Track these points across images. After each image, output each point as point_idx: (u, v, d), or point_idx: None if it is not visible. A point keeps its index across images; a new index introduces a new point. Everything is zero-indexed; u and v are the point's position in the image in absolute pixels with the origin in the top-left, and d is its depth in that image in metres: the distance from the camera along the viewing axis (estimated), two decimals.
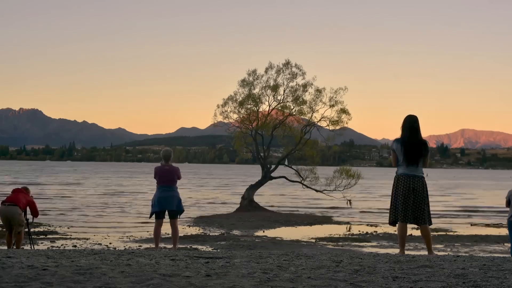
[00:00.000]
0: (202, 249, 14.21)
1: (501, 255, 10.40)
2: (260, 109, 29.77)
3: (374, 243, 17.63)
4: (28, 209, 12.17)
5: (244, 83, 29.68)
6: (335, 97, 29.17)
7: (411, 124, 8.16)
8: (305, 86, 29.41)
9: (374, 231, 20.98)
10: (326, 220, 26.02)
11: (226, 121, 30.86)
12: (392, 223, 8.41)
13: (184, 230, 20.32)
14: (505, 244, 17.73)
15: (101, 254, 6.15)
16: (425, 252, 14.65)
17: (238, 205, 28.49)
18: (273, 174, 29.41)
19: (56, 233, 19.01)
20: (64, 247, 15.17)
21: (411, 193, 7.92)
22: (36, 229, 19.46)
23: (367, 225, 23.78)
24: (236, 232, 20.12)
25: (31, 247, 12.41)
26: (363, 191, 47.25)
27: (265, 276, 4.64)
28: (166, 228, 20.88)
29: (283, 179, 30.17)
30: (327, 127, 30.30)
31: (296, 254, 6.71)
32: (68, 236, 18.15)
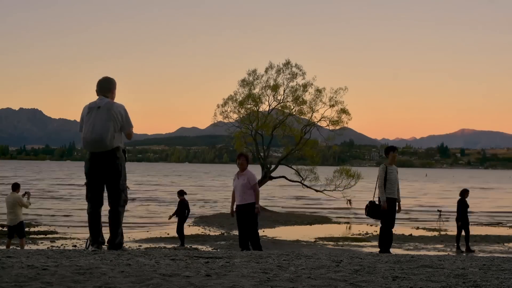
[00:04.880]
0: (202, 249, 14.22)
1: (501, 255, 10.41)
2: (260, 109, 29.78)
3: (374, 243, 17.62)
4: None
5: (244, 83, 29.69)
6: (335, 97, 29.21)
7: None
8: (305, 86, 29.43)
9: (374, 231, 20.98)
10: (325, 220, 26.02)
11: (226, 121, 30.88)
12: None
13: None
14: (505, 244, 17.75)
15: (101, 254, 6.15)
16: (426, 252, 14.67)
17: None
18: (273, 174, 29.40)
19: (56, 232, 19.01)
20: (64, 247, 15.17)
21: None
22: (36, 229, 19.48)
23: (367, 225, 23.78)
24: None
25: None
26: (363, 191, 47.22)
27: (265, 276, 4.64)
28: (167, 228, 20.92)
29: (283, 179, 30.17)
30: (327, 127, 30.32)
31: (296, 254, 6.70)
32: (68, 236, 18.15)
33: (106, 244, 6.73)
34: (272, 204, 32.92)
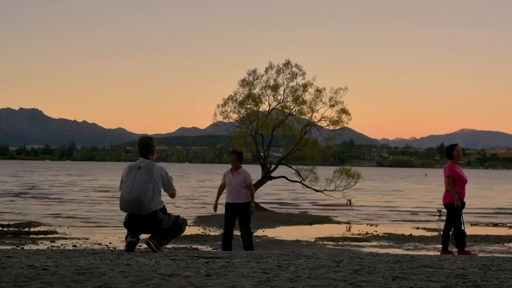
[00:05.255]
0: (202, 249, 14.21)
1: (501, 255, 10.41)
2: (260, 109, 29.75)
3: (374, 243, 17.62)
4: None
5: (244, 83, 29.68)
6: (335, 97, 29.18)
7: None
8: (305, 86, 29.40)
9: (374, 231, 20.98)
10: (326, 219, 26.02)
11: (226, 121, 30.85)
12: None
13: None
14: (505, 244, 17.75)
15: (101, 254, 6.16)
16: (426, 252, 14.67)
17: None
18: (273, 174, 29.40)
19: (56, 233, 19.00)
20: (64, 247, 15.16)
21: None
22: (36, 229, 19.48)
23: (367, 225, 23.78)
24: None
25: None
26: (363, 191, 47.22)
27: (265, 276, 4.64)
28: None
29: (283, 179, 30.17)
30: (327, 127, 30.29)
31: (296, 254, 6.70)
32: (68, 236, 18.14)
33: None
34: (272, 204, 32.90)
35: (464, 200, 9.87)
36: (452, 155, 9.90)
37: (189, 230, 20.22)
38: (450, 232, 9.85)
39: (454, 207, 9.60)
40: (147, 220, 6.46)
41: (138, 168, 6.48)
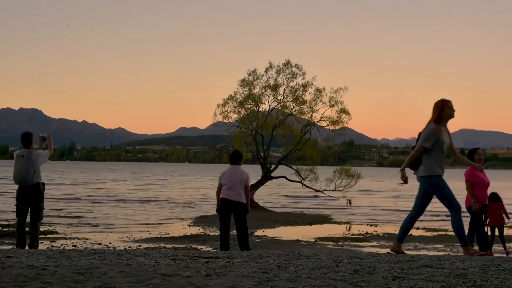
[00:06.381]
0: (202, 249, 14.21)
1: (501, 255, 10.41)
2: (260, 109, 29.75)
3: (374, 243, 17.63)
4: None
5: (244, 83, 29.68)
6: (335, 97, 29.18)
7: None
8: (305, 86, 29.41)
9: (374, 231, 20.98)
10: (325, 220, 26.01)
11: (226, 121, 30.85)
12: None
13: (184, 230, 20.32)
14: (506, 244, 17.73)
15: (101, 254, 6.16)
16: (426, 252, 14.67)
17: None
18: (273, 174, 29.40)
19: (56, 232, 19.00)
20: (64, 247, 15.16)
21: None
22: None
23: (367, 225, 23.77)
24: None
25: None
26: (363, 191, 47.21)
27: (265, 276, 4.65)
28: (167, 228, 20.94)
29: (283, 179, 30.17)
30: (327, 127, 30.29)
31: (296, 254, 6.70)
32: (68, 236, 18.14)
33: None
34: (272, 204, 32.90)
35: (486, 203, 10.26)
36: (473, 159, 10.11)
37: (189, 230, 20.22)
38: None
39: (472, 210, 9.96)
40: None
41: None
